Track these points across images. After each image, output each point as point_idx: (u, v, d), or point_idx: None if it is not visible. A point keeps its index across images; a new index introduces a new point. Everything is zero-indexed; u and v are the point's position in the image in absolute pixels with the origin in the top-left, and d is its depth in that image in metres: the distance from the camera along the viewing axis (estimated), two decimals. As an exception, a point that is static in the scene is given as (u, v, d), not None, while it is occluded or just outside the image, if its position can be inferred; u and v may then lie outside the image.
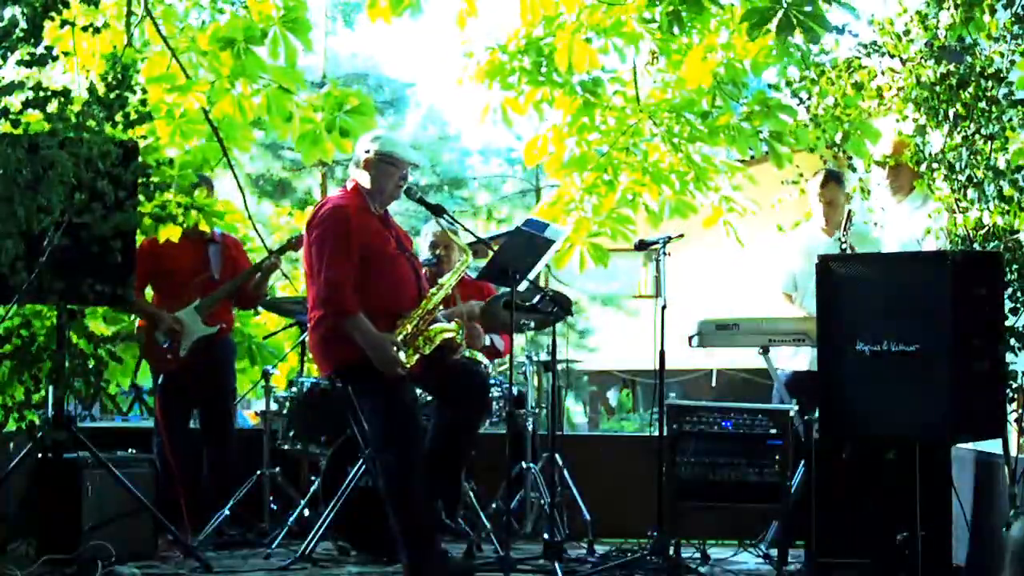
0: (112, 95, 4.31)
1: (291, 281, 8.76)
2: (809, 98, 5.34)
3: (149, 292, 6.43)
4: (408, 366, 5.09)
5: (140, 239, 5.90)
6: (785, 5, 5.78)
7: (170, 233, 5.74)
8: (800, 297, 6.19)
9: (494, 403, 6.01)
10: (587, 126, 7.66)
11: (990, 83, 4.63)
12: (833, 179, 6.17)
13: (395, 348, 5.04)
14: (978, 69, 4.64)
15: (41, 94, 4.15)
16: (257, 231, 7.90)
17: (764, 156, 7.71)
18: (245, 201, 7.66)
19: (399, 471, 5.02)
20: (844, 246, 5.27)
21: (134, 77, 4.52)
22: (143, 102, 4.48)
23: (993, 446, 4.78)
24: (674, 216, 7.73)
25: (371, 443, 5.37)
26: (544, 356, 6.08)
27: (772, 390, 6.24)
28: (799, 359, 6.08)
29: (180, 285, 6.26)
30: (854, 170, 5.53)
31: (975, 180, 4.62)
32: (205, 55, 7.04)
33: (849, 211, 5.45)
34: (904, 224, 5.62)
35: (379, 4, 7.15)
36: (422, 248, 6.41)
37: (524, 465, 5.98)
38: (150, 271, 6.22)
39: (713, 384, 17.62)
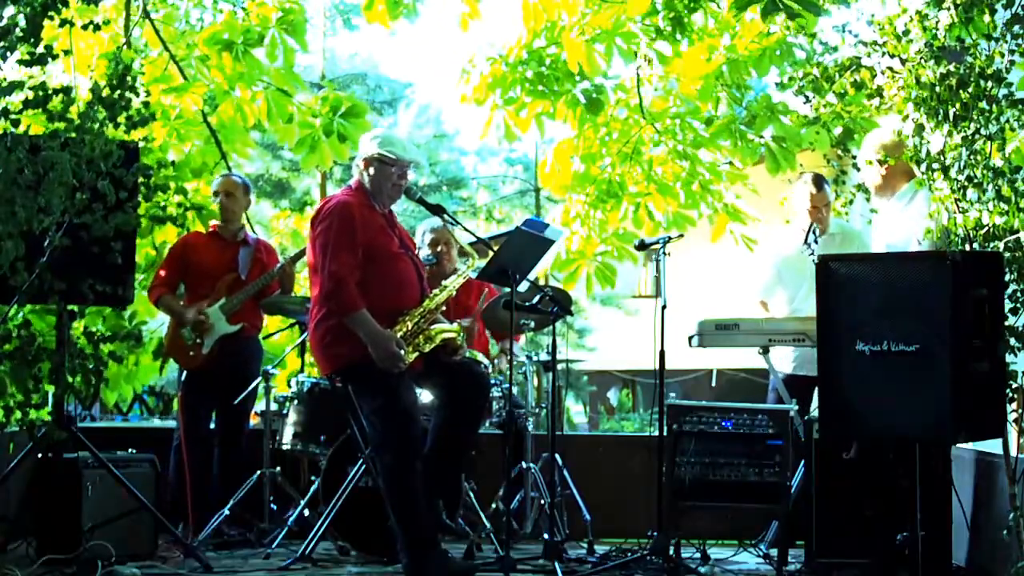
0: (115, 95, 4.31)
1: None
2: (813, 96, 5.34)
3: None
4: (408, 363, 5.09)
5: (174, 239, 5.95)
6: None
7: (168, 235, 5.76)
8: (788, 301, 6.16)
9: (494, 403, 6.01)
10: (591, 139, 7.64)
11: (990, 83, 4.63)
12: (825, 183, 6.16)
13: (396, 344, 5.04)
14: (977, 69, 4.64)
15: (42, 93, 4.16)
16: (254, 232, 7.91)
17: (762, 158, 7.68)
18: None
19: (399, 471, 5.01)
20: (812, 257, 5.28)
21: (136, 77, 4.53)
22: (146, 104, 4.48)
23: (993, 446, 4.78)
24: (671, 228, 7.71)
25: (371, 443, 5.37)
26: (544, 356, 6.07)
27: (770, 390, 6.24)
28: (784, 363, 6.07)
29: (208, 284, 6.33)
30: (858, 169, 5.53)
31: (975, 180, 4.62)
32: (205, 60, 7.04)
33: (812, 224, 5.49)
34: (894, 222, 5.59)
35: (376, 7, 7.15)
36: (421, 246, 6.41)
37: (524, 465, 5.98)
38: (181, 270, 6.37)
39: (713, 384, 17.61)
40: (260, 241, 6.72)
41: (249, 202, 6.63)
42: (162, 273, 6.41)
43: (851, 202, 5.31)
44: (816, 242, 5.60)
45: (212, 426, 6.43)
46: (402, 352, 5.05)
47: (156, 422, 13.10)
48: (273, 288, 6.45)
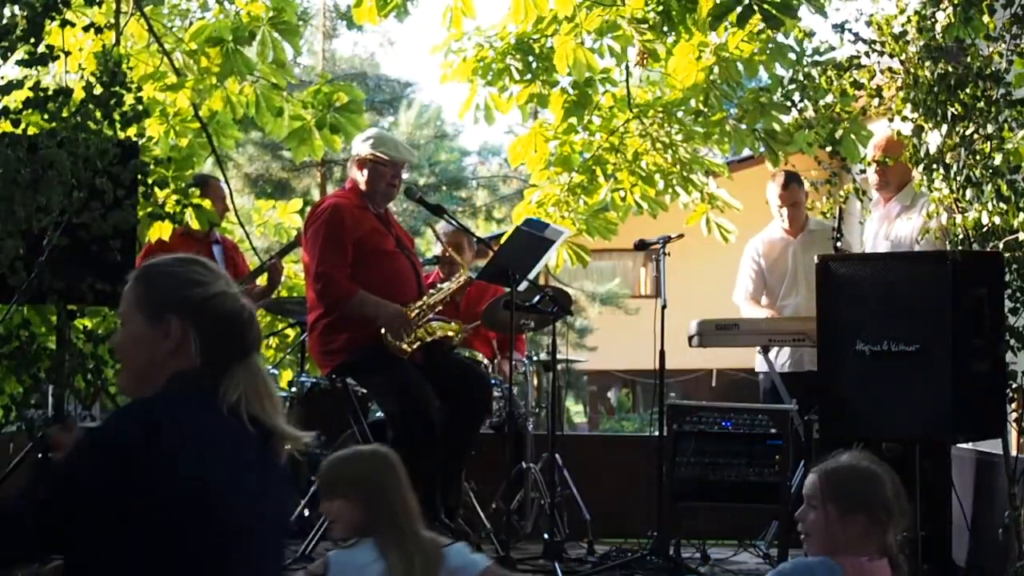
0: (107, 91, 4.31)
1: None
2: (801, 100, 5.31)
3: None
4: (414, 336, 5.13)
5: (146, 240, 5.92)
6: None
7: (163, 231, 5.73)
8: (775, 299, 6.12)
9: (494, 403, 6.00)
10: (573, 127, 7.58)
11: (988, 83, 4.62)
12: (794, 180, 6.11)
13: (404, 315, 5.12)
14: (975, 69, 4.63)
15: (41, 94, 4.15)
16: (245, 231, 7.92)
17: (751, 159, 7.64)
18: (232, 200, 7.65)
19: (407, 441, 4.99)
20: (838, 244, 5.23)
21: (127, 74, 4.53)
22: (139, 100, 4.48)
23: (993, 446, 4.77)
24: (642, 211, 7.65)
25: (388, 418, 5.33)
26: (544, 356, 6.07)
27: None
28: (808, 359, 6.03)
29: None
30: (848, 171, 5.51)
31: (973, 180, 4.61)
32: (193, 54, 7.01)
33: (840, 209, 5.42)
34: (893, 224, 5.57)
35: (365, 4, 7.12)
36: (436, 248, 6.44)
37: (524, 465, 5.97)
38: None
39: (713, 384, 17.59)
40: (225, 239, 6.72)
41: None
42: None
43: (845, 200, 5.24)
44: (840, 238, 5.54)
45: None
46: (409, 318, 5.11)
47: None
48: (252, 287, 6.43)
